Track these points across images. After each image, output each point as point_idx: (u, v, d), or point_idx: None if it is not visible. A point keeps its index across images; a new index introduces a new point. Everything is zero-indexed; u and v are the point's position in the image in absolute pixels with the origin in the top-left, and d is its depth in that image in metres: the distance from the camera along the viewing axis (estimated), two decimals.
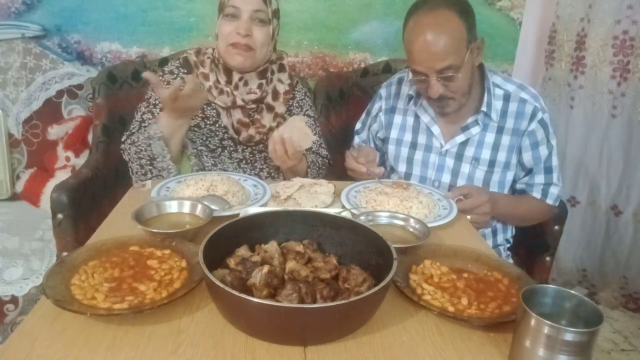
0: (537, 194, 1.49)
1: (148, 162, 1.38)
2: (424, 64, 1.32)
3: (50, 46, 2.06)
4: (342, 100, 2.02)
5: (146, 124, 1.46)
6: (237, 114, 1.52)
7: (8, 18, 2.02)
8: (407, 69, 1.47)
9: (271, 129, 1.53)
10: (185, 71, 1.53)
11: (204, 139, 1.50)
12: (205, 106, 1.51)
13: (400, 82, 1.59)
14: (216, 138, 1.51)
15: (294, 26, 2.13)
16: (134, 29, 2.09)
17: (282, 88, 1.59)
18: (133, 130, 1.49)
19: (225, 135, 1.52)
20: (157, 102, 1.49)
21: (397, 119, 1.57)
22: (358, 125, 1.71)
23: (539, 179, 1.47)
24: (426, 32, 1.29)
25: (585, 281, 2.33)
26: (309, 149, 1.58)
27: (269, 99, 1.56)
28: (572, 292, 0.74)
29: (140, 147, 1.38)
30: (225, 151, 1.52)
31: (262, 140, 1.53)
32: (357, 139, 1.71)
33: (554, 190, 1.48)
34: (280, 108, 1.57)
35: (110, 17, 2.06)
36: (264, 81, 1.54)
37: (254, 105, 1.53)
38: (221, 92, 1.50)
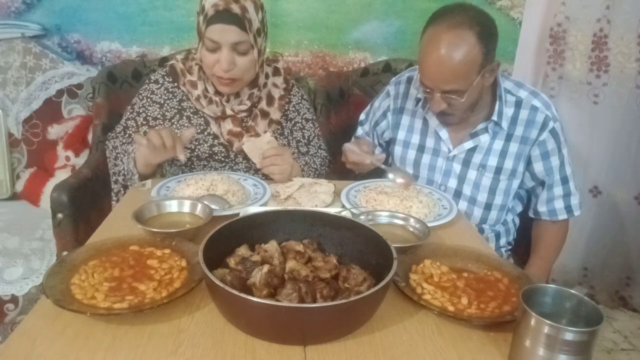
0: (562, 215, 1.49)
1: (120, 172, 1.40)
2: (431, 81, 1.29)
3: (50, 46, 2.06)
4: (342, 99, 2.02)
5: (130, 131, 1.46)
6: (228, 125, 1.45)
7: (8, 17, 2.02)
8: (417, 69, 1.43)
9: None
10: (171, 79, 1.48)
11: (193, 147, 1.44)
12: (191, 115, 1.46)
13: (409, 81, 1.54)
14: (205, 145, 1.45)
15: (294, 26, 2.13)
16: (134, 29, 2.08)
17: (277, 93, 1.53)
18: (117, 132, 1.48)
19: (216, 141, 1.45)
20: (141, 111, 1.47)
21: (405, 120, 1.54)
22: (362, 117, 1.69)
23: (558, 191, 1.46)
24: (439, 51, 1.24)
25: (585, 282, 2.33)
26: (305, 152, 1.57)
27: (263, 105, 1.50)
28: (572, 291, 0.74)
29: (118, 155, 1.41)
30: (216, 157, 1.46)
31: None
32: (360, 130, 1.68)
33: (575, 201, 1.48)
34: (275, 114, 1.51)
35: (110, 16, 2.06)
36: (255, 90, 1.48)
37: (245, 114, 1.48)
38: (210, 101, 1.44)
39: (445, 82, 1.27)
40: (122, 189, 1.43)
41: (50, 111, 2.02)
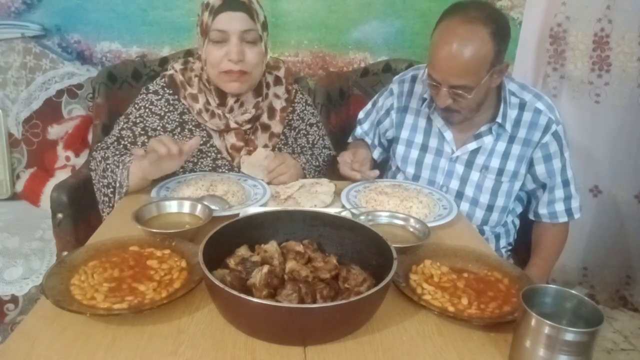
0: (562, 218, 1.49)
1: (110, 184, 1.27)
2: (440, 74, 1.28)
3: (50, 46, 2.06)
4: (342, 100, 2.02)
5: (125, 142, 1.38)
6: (231, 138, 1.41)
7: (8, 17, 2.01)
8: (422, 68, 1.44)
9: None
10: (171, 92, 1.41)
11: (195, 160, 1.40)
12: (193, 127, 1.41)
13: (414, 79, 1.53)
14: (209, 159, 1.41)
15: (294, 26, 2.13)
16: (134, 29, 2.08)
17: (278, 104, 1.48)
18: (109, 144, 1.38)
19: (219, 155, 1.42)
20: (138, 121, 1.39)
21: (409, 119, 1.53)
22: (361, 115, 1.67)
23: (559, 193, 1.46)
24: (451, 45, 1.23)
25: (585, 282, 2.33)
26: (310, 155, 1.55)
27: (264, 118, 1.46)
28: (573, 292, 0.74)
29: (109, 166, 1.28)
30: (220, 171, 1.42)
31: None
32: (359, 130, 1.67)
33: (575, 204, 1.48)
34: (276, 127, 1.47)
35: (110, 16, 2.06)
36: (260, 99, 1.44)
37: (248, 126, 1.43)
38: (213, 114, 1.39)
39: (454, 76, 1.26)
40: (109, 207, 1.30)
41: (50, 111, 2.02)
